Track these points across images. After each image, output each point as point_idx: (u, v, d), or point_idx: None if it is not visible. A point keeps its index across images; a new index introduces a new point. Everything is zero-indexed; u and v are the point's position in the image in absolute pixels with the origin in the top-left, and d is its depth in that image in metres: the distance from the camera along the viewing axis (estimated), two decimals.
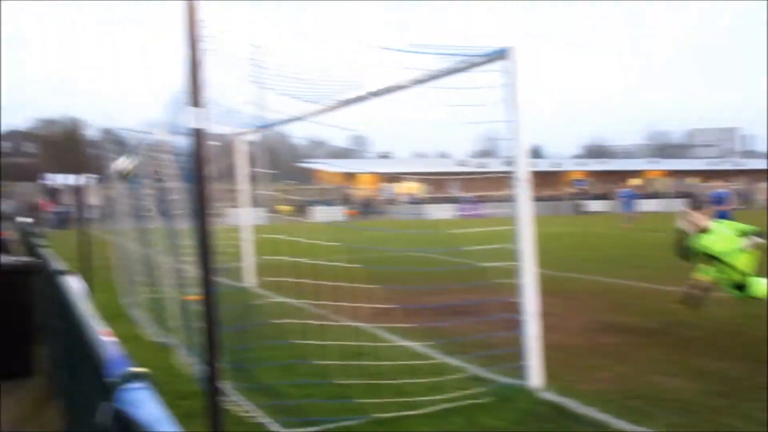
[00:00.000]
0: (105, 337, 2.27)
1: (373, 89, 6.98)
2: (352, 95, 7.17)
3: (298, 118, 8.45)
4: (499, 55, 6.03)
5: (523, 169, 6.14)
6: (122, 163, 8.22)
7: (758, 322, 8.16)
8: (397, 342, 7.54)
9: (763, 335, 7.57)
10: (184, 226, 9.33)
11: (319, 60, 6.10)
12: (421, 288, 9.98)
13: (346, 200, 49.02)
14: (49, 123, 69.28)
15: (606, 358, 7.15)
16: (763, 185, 61.37)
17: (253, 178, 12.30)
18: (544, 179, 62.69)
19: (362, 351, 6.59)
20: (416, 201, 56.78)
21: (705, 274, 8.03)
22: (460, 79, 6.33)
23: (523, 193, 6.16)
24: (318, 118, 8.18)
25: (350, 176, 63.17)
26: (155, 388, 1.75)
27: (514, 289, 6.20)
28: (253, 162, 13.62)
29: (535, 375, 6.07)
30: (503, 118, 6.16)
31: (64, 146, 64.96)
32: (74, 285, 3.68)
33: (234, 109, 5.42)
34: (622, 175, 72.40)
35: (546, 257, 14.26)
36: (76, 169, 14.53)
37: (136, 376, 1.76)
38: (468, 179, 57.49)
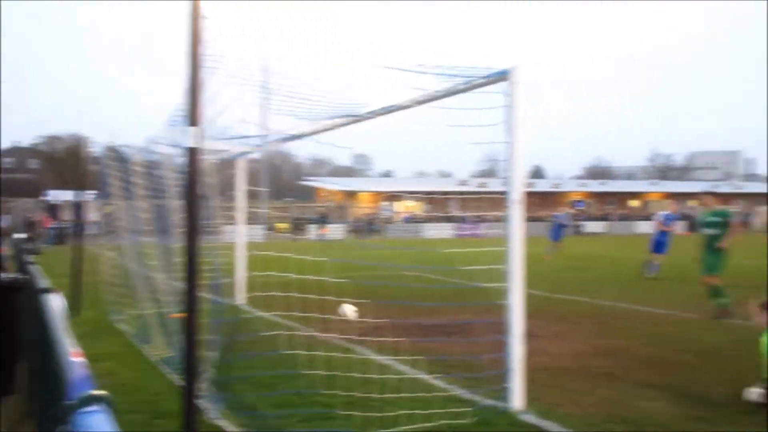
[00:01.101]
0: (73, 358, 2.22)
1: (376, 108, 6.95)
2: (355, 114, 7.13)
3: (301, 136, 8.42)
4: (500, 76, 6.02)
5: (517, 190, 6.11)
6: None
7: (747, 347, 8.03)
8: (381, 359, 7.46)
9: (751, 360, 7.46)
10: (178, 242, 9.31)
11: (322, 77, 6.07)
12: (409, 304, 9.88)
13: (323, 219, 48.72)
14: (53, 139, 69.32)
15: (593, 382, 7.04)
16: (763, 209, 61.21)
17: (252, 196, 12.28)
18: (543, 199, 62.68)
19: (344, 366, 6.48)
20: (415, 220, 56.82)
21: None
22: (462, 99, 6.31)
23: (516, 214, 6.12)
24: (320, 136, 8.13)
25: (351, 194, 63.15)
26: (113, 412, 1.70)
27: (504, 311, 6.15)
28: (253, 179, 13.61)
29: (516, 397, 6.00)
30: (503, 139, 6.14)
31: (67, 162, 65.07)
32: (55, 303, 3.63)
33: (235, 126, 5.38)
34: (622, 197, 72.53)
35: (538, 278, 14.28)
36: (77, 186, 14.46)
37: (94, 399, 1.71)
38: (467, 199, 57.48)
